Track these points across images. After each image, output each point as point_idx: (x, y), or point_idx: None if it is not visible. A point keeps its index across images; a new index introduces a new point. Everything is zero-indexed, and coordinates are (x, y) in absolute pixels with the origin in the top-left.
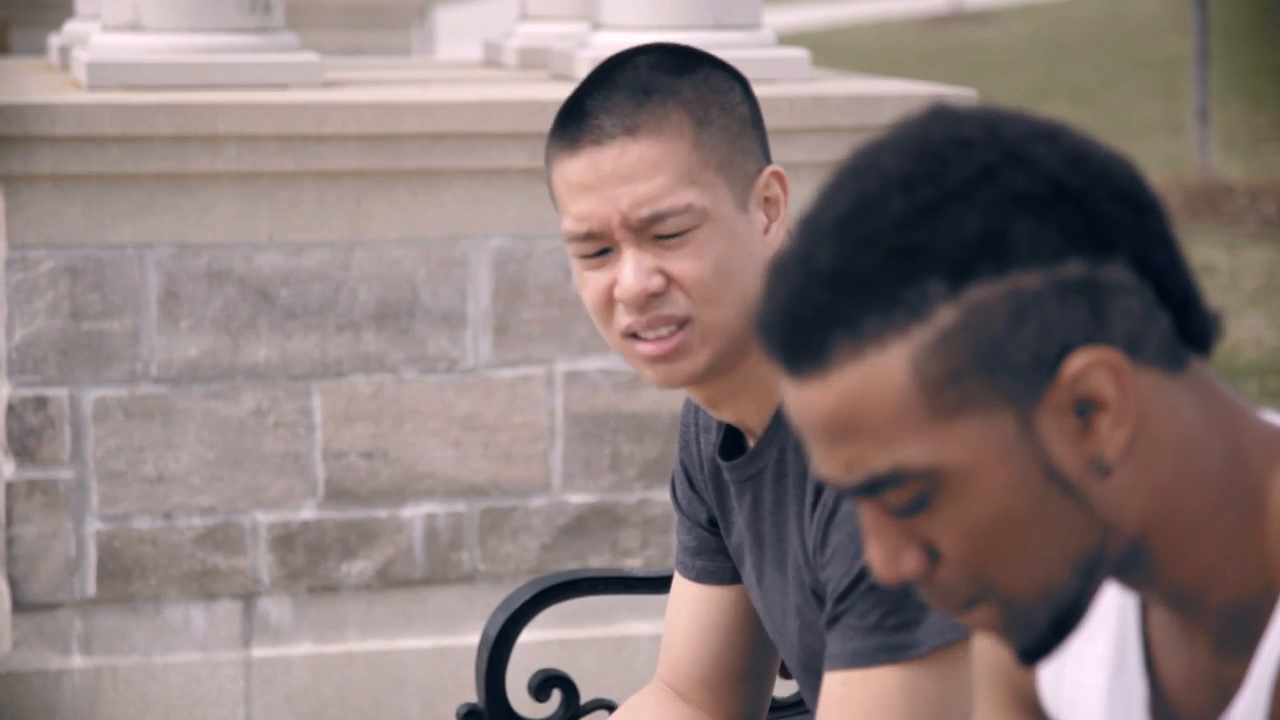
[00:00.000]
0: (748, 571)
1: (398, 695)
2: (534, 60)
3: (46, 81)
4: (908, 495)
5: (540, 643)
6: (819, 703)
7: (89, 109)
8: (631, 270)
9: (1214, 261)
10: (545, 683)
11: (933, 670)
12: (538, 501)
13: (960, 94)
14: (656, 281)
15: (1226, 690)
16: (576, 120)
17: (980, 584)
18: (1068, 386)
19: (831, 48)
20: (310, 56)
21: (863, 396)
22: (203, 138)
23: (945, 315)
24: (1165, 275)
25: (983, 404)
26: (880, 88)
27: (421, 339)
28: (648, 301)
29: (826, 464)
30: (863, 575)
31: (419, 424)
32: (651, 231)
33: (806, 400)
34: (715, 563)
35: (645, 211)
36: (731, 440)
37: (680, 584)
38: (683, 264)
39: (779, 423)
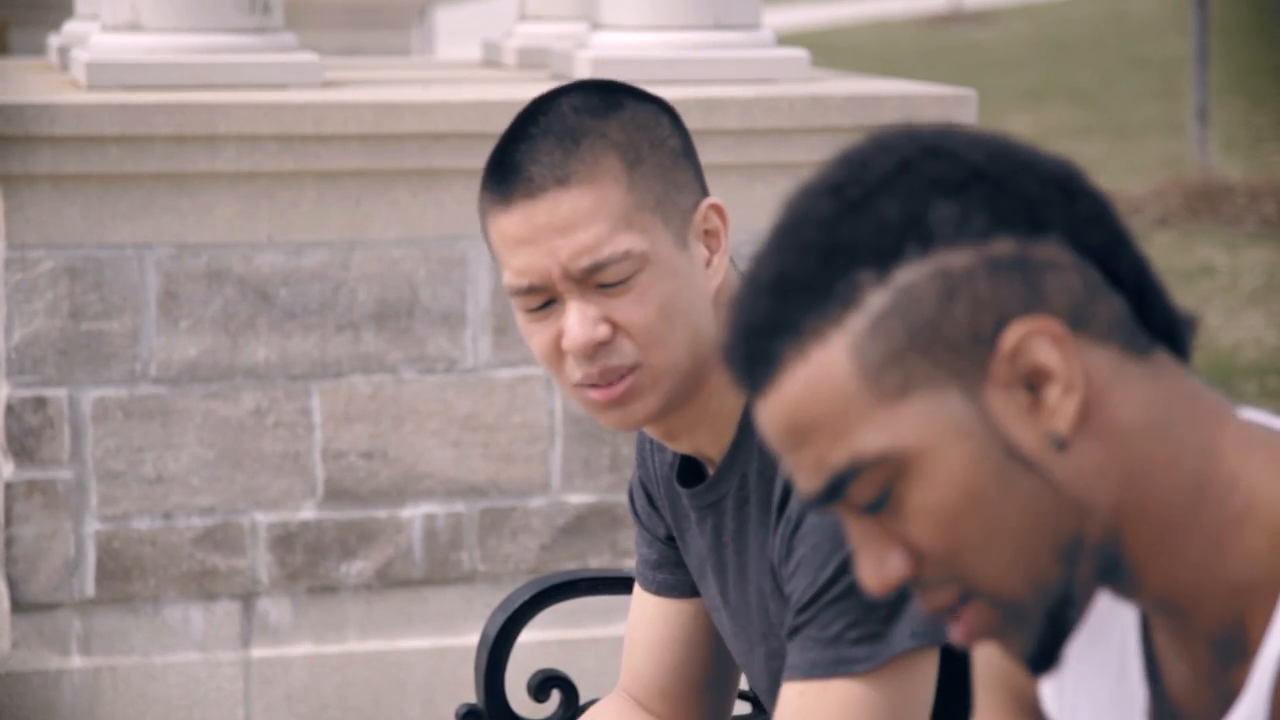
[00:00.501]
0: (711, 595)
1: (397, 695)
2: (533, 60)
3: (46, 81)
4: (872, 488)
5: (539, 643)
6: (775, 713)
7: (88, 109)
8: (577, 321)
9: (1214, 261)
10: (544, 683)
11: (890, 682)
12: (537, 502)
13: (959, 93)
14: (603, 330)
15: (1227, 696)
16: (506, 173)
17: (963, 576)
18: (1008, 358)
19: (831, 48)
20: (309, 56)
21: (812, 394)
22: (202, 138)
23: (876, 300)
24: (1109, 258)
25: (927, 383)
26: (880, 88)
27: (421, 339)
28: (596, 350)
29: (800, 476)
30: (826, 587)
31: (418, 424)
32: (594, 280)
33: (769, 413)
34: (675, 576)
35: (585, 262)
36: (690, 466)
37: (641, 596)
38: (628, 311)
39: (738, 450)
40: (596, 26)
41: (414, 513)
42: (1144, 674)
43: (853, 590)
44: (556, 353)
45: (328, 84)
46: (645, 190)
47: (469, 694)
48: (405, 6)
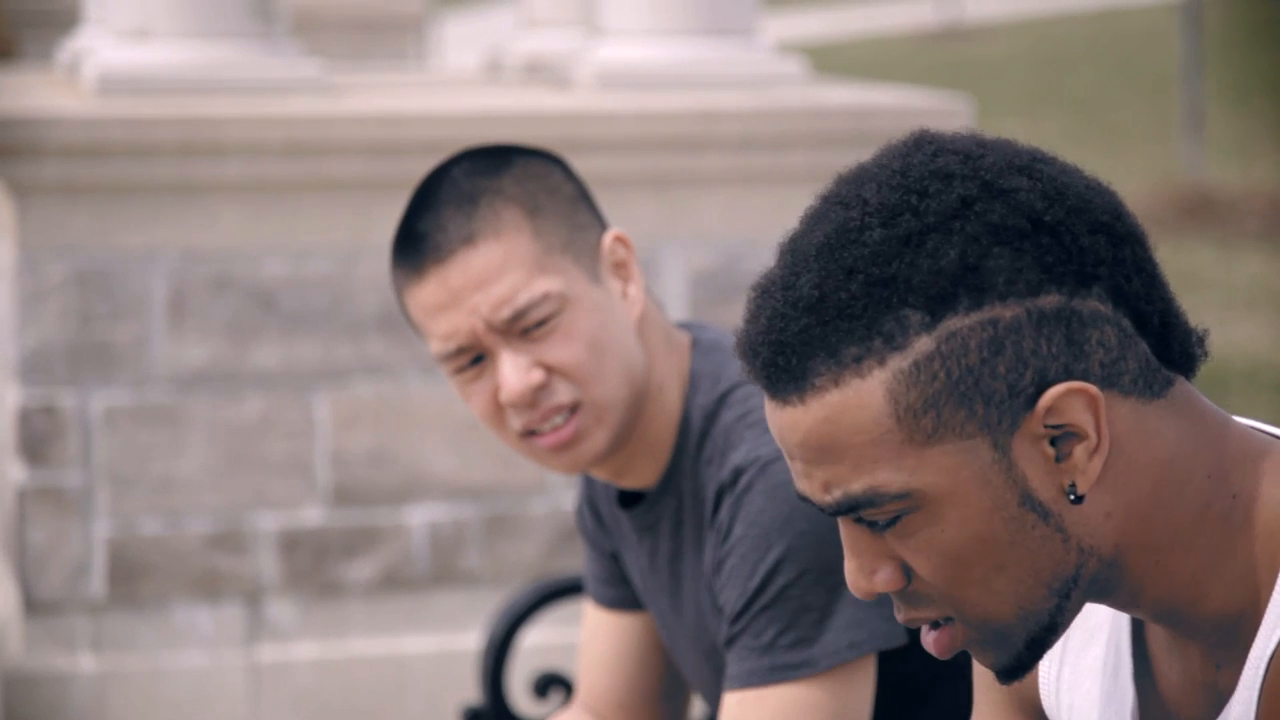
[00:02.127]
0: (657, 613)
1: (401, 696)
2: (536, 68)
3: (55, 91)
4: (883, 515)
5: (542, 644)
6: None
7: (98, 119)
8: (511, 371)
9: (1205, 270)
10: (547, 684)
11: (829, 688)
12: (540, 505)
13: (956, 103)
14: (537, 375)
15: (1219, 700)
16: (413, 245)
17: (953, 605)
18: (1043, 417)
19: (829, 61)
20: (314, 64)
21: (841, 421)
22: (209, 148)
23: (922, 345)
24: (1142, 302)
25: (958, 431)
26: (878, 97)
27: (424, 344)
28: (535, 396)
29: (805, 482)
30: (756, 596)
31: (422, 428)
32: (518, 328)
33: (786, 421)
34: (625, 591)
35: (507, 311)
36: (628, 491)
37: (593, 612)
38: (557, 351)
39: (673, 474)
40: (596, 35)
41: (418, 516)
42: (1133, 675)
43: (781, 597)
44: (496, 409)
45: (332, 92)
46: (550, 234)
47: (472, 695)
48: (406, 18)
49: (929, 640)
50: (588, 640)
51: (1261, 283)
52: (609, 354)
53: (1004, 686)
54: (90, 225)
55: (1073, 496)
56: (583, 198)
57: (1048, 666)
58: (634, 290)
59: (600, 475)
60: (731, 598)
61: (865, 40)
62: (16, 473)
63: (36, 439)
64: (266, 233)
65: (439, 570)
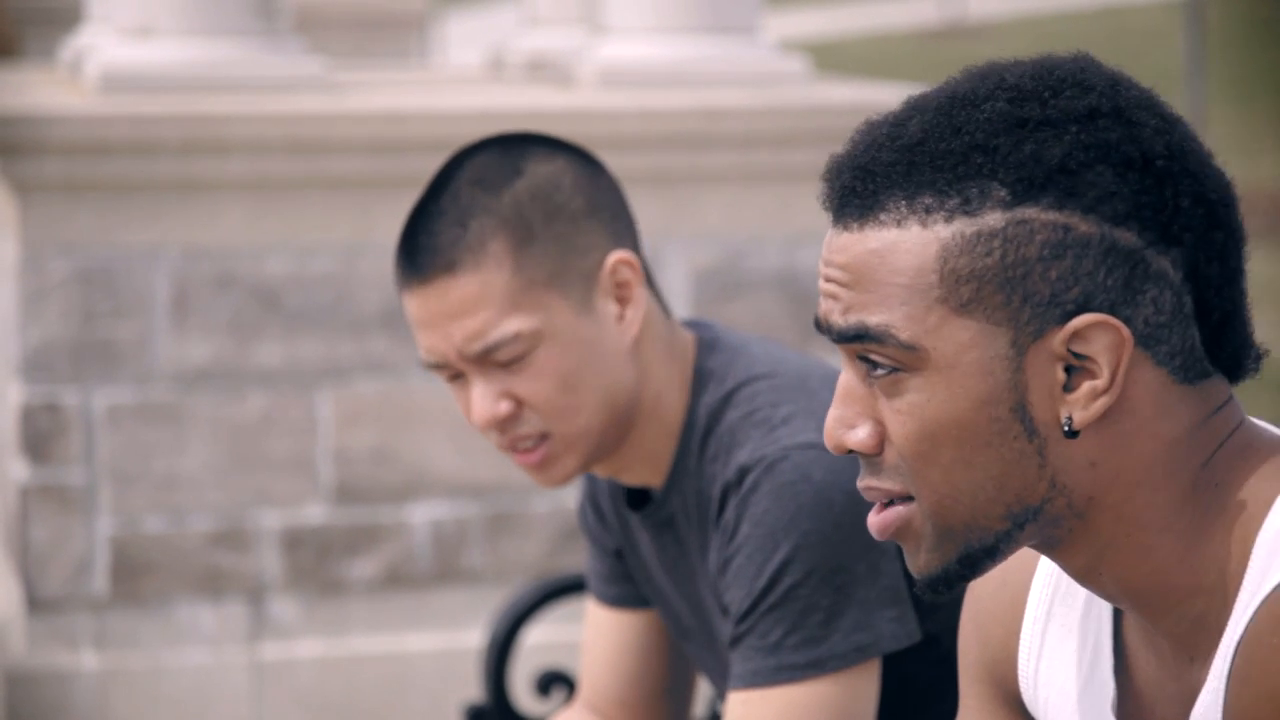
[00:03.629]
0: (668, 613)
1: (404, 694)
2: (539, 66)
3: (58, 89)
4: (884, 360)
5: (545, 642)
6: None
7: (101, 117)
8: (479, 399)
9: None
10: (549, 682)
11: (835, 689)
12: (542, 503)
13: None
14: (505, 407)
15: (1190, 694)
16: (405, 254)
17: (914, 484)
18: (1069, 337)
19: (832, 59)
20: (317, 62)
21: (887, 258)
22: (211, 146)
23: (993, 219)
24: (1212, 291)
25: (987, 314)
26: (880, 95)
27: None
28: (503, 424)
29: (828, 303)
30: (762, 596)
31: (425, 426)
32: (490, 360)
33: (839, 243)
34: (628, 589)
35: (476, 346)
36: (635, 489)
37: (595, 609)
38: (527, 386)
39: (678, 473)
40: (598, 32)
41: (421, 514)
42: (1113, 667)
43: (788, 597)
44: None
45: (335, 89)
46: (536, 268)
47: (475, 692)
48: (409, 15)
49: (873, 518)
50: (590, 638)
51: (1263, 281)
52: (584, 388)
53: (989, 682)
54: (93, 223)
55: (1066, 429)
56: (590, 213)
57: (1026, 659)
58: (632, 313)
59: (600, 474)
60: (738, 598)
61: (868, 38)
62: (19, 470)
63: (39, 437)
64: (269, 231)
65: (441, 568)
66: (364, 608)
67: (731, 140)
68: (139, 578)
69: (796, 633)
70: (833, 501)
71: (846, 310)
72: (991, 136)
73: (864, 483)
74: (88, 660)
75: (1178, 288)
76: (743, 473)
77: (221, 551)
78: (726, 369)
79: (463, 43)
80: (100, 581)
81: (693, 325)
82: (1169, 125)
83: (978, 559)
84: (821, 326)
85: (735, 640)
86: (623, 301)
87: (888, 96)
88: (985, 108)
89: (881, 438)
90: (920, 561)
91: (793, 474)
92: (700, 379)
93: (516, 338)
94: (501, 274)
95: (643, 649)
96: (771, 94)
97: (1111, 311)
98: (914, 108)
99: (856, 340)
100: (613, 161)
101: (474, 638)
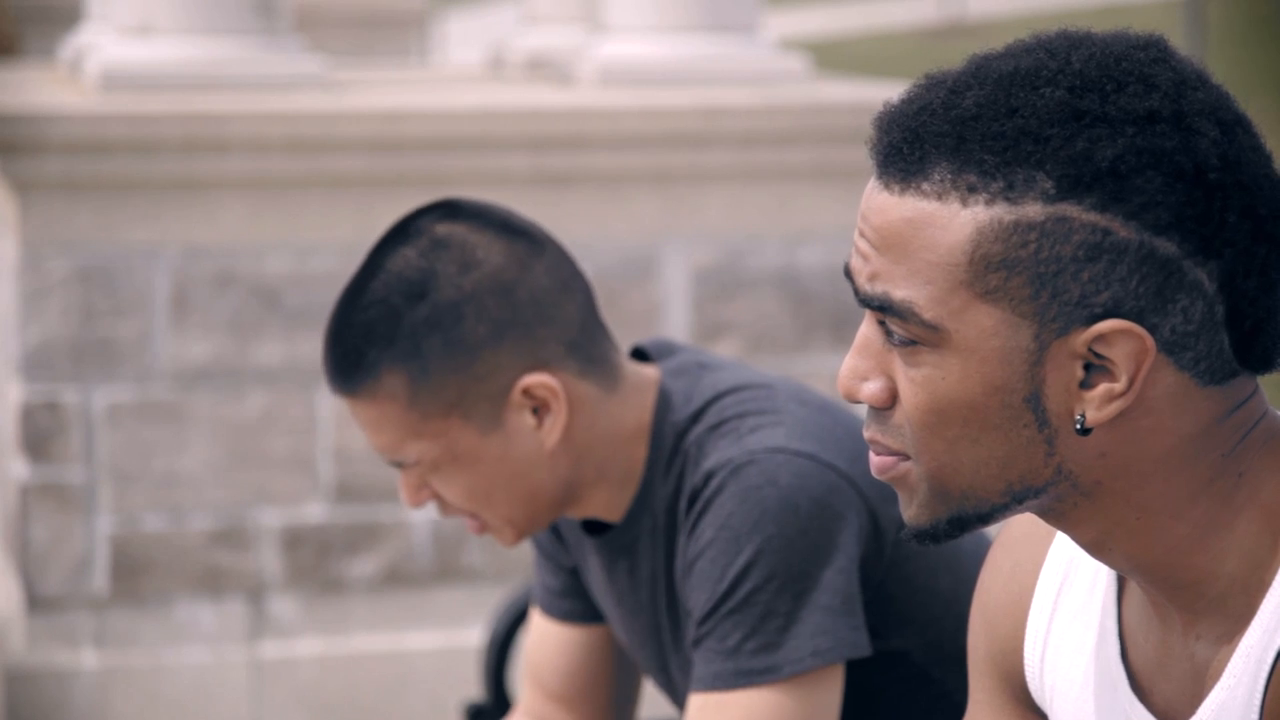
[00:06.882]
0: (625, 633)
1: (404, 692)
2: (539, 65)
3: (58, 87)
4: (903, 331)
5: None
6: None
7: (100, 116)
8: (404, 487)
9: None
10: None
11: (793, 694)
12: None
13: None
14: (425, 495)
15: (1201, 677)
16: (325, 357)
17: (916, 448)
18: (1091, 340)
19: (832, 57)
20: (317, 61)
21: (921, 230)
22: (211, 144)
23: (1033, 211)
24: (1246, 301)
25: (1013, 305)
26: (881, 93)
27: None
28: (437, 507)
29: (858, 261)
30: (724, 599)
31: None
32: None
33: (877, 203)
34: (580, 604)
35: (387, 456)
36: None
37: (543, 623)
38: (442, 489)
39: (644, 499)
40: (598, 31)
41: (420, 512)
42: (1120, 650)
43: (748, 601)
44: None
45: (335, 88)
46: (431, 401)
47: (475, 691)
48: (408, 15)
49: (874, 458)
50: (537, 650)
51: None
52: (496, 495)
53: (998, 675)
54: (93, 221)
55: (1079, 426)
56: (501, 336)
57: (1032, 649)
58: (551, 421)
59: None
60: (700, 600)
61: (868, 36)
62: (19, 469)
63: (39, 435)
64: (269, 229)
65: (441, 567)
66: (364, 606)
67: (731, 139)
68: (139, 576)
69: (755, 637)
70: (798, 506)
71: (873, 277)
72: (1046, 125)
73: (869, 433)
74: (87, 659)
75: (1210, 298)
76: (708, 476)
77: (221, 550)
78: (692, 388)
79: (463, 41)
80: (100, 580)
81: (650, 351)
82: (1231, 132)
83: (969, 522)
84: (849, 276)
85: (696, 642)
86: (541, 413)
87: (888, 95)
88: (1044, 93)
89: (893, 394)
90: (911, 513)
91: (758, 478)
92: (665, 402)
93: (417, 461)
94: (397, 406)
95: (594, 664)
96: (771, 93)
97: (1139, 318)
98: (975, 75)
99: (879, 310)
100: (612, 160)
101: (474, 637)
